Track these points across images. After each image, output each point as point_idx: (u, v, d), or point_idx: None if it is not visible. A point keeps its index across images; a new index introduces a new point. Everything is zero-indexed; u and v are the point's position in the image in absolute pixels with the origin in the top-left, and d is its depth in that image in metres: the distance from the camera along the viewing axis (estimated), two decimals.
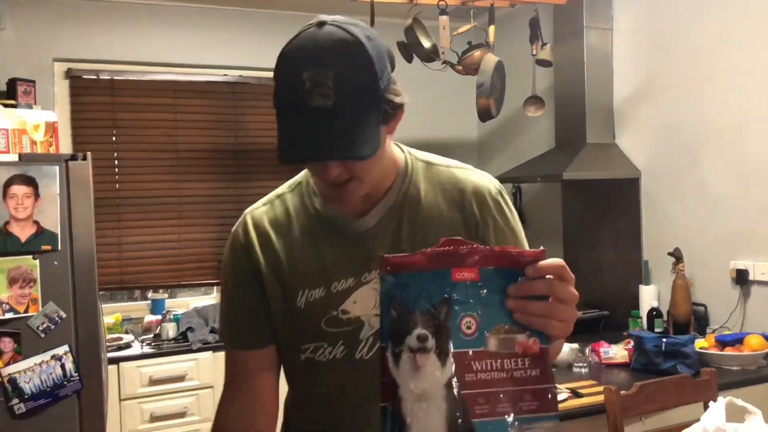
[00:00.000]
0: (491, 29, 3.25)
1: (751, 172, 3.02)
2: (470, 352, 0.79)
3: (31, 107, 2.84)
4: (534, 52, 3.48)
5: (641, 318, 3.34)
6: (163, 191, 4.02)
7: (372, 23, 3.07)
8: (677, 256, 3.15)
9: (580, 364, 2.79)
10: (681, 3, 3.31)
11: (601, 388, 2.42)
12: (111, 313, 3.87)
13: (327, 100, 0.94)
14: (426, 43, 3.21)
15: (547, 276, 0.82)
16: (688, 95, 3.27)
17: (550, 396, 0.80)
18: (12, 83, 3.40)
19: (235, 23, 4.09)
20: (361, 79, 0.97)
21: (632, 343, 2.84)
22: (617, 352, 2.86)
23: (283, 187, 1.24)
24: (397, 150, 1.20)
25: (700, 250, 3.20)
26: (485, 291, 0.81)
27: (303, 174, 1.22)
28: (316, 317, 1.14)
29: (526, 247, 1.16)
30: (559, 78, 3.77)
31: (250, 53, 4.10)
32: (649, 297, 3.38)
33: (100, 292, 3.27)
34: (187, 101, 4.08)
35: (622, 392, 2.22)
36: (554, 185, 4.05)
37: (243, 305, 1.21)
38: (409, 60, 3.26)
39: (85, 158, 2.30)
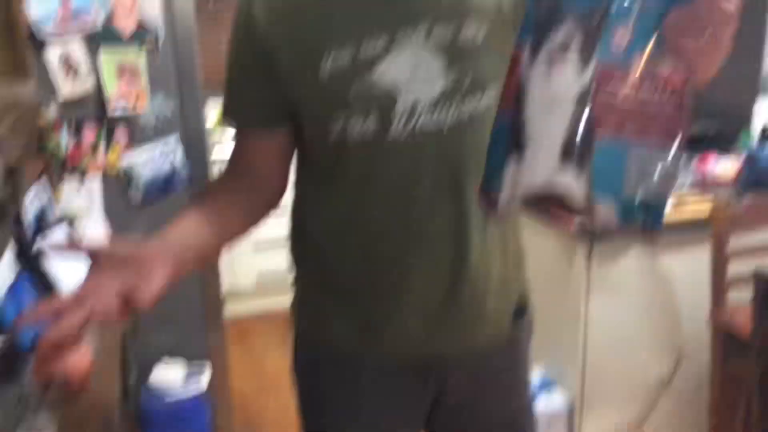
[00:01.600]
0: None
1: None
2: (614, 67, 0.73)
3: None
4: None
5: (754, 133, 3.15)
6: None
7: None
8: None
9: (683, 177, 2.69)
10: None
11: (706, 200, 2.35)
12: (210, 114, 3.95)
13: None
14: None
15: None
16: None
17: (675, 134, 0.74)
18: None
19: None
20: None
21: (744, 158, 2.70)
22: (727, 167, 2.73)
23: None
24: None
25: None
26: (648, 3, 0.72)
27: None
28: (343, 84, 0.97)
29: None
30: None
31: None
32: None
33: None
34: None
35: (730, 205, 2.15)
36: None
37: (249, 71, 1.04)
38: None
39: None
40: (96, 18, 2.14)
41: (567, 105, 0.74)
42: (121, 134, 2.24)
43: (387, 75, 0.96)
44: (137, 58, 2.19)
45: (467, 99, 0.99)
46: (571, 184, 0.76)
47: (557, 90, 0.74)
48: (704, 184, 2.69)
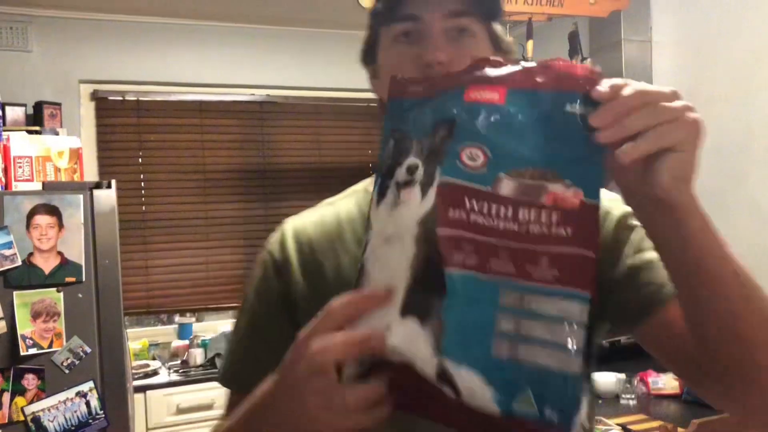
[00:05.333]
0: (529, 44, 3.13)
1: None
2: (466, 186, 0.59)
3: (56, 132, 2.78)
4: None
5: None
6: (190, 213, 3.95)
7: None
8: None
9: (628, 396, 2.64)
10: (723, 12, 3.17)
11: (654, 424, 2.28)
12: (137, 338, 3.80)
13: None
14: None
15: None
16: (733, 108, 3.12)
17: (582, 267, 0.56)
18: (38, 106, 3.35)
19: (262, 42, 4.02)
20: None
21: None
22: (667, 383, 2.70)
23: (336, 196, 1.01)
24: None
25: (751, 271, 3.02)
26: (512, 119, 0.59)
27: (362, 184, 1.01)
28: None
29: None
30: None
31: (277, 72, 4.04)
32: None
33: (126, 318, 3.19)
34: (213, 121, 4.02)
35: (679, 429, 2.07)
36: None
37: (264, 339, 0.92)
38: None
39: (110, 186, 2.22)
40: (14, 258, 2.05)
41: (408, 234, 0.59)
42: (30, 380, 2.06)
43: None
44: (55, 298, 2.09)
45: None
46: (416, 341, 0.55)
47: (398, 221, 0.60)
48: (648, 401, 2.64)
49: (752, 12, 3.04)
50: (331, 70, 4.08)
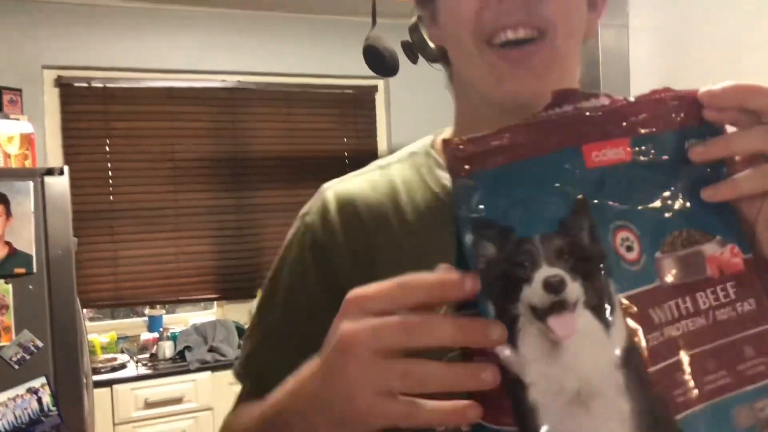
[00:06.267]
0: None
1: None
2: (644, 292, 0.43)
3: (7, 117, 2.67)
4: None
5: None
6: (160, 202, 3.85)
7: (374, 22, 2.89)
8: None
9: None
10: None
11: None
12: (106, 331, 3.71)
13: None
14: (432, 43, 3.02)
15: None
16: None
17: None
18: None
19: (233, 27, 3.92)
20: None
21: None
22: None
23: (388, 158, 0.81)
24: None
25: None
26: (642, 176, 0.46)
27: (420, 144, 0.81)
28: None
29: None
30: None
31: (249, 58, 3.94)
32: None
33: (94, 310, 3.09)
34: (183, 108, 3.91)
35: None
36: None
37: (303, 335, 0.69)
38: (414, 60, 3.07)
39: (62, 172, 2.13)
40: None
41: (612, 386, 0.41)
42: None
43: None
44: (3, 290, 1.99)
45: None
46: None
47: (576, 370, 0.41)
48: None
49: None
50: (305, 56, 3.99)
